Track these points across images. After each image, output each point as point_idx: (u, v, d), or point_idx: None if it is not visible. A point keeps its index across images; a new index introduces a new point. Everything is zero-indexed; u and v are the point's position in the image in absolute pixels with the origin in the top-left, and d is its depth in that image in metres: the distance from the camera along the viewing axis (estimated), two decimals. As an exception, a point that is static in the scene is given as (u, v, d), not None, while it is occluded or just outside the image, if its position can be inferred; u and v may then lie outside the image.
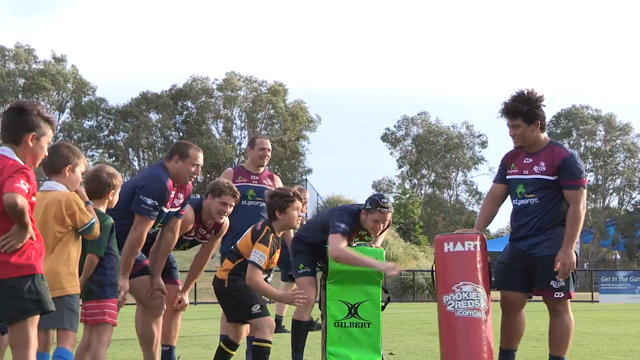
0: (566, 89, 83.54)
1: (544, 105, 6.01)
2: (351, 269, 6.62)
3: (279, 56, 79.99)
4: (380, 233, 6.96)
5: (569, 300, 6.02)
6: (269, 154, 7.93)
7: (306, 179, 52.44)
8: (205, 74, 59.31)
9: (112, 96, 66.71)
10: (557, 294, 5.92)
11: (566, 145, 6.38)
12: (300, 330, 6.90)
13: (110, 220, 5.51)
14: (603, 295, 30.80)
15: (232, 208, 6.75)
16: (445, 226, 56.93)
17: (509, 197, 6.24)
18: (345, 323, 6.69)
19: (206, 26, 79.83)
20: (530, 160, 6.02)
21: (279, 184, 7.98)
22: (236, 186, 7.19)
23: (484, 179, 74.84)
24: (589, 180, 60.82)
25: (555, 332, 5.96)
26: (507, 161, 6.19)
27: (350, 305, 6.73)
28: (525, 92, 5.98)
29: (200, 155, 6.39)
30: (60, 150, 5.13)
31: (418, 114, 61.65)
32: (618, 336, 10.85)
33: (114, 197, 5.66)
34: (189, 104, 57.59)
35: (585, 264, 54.45)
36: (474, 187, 61.11)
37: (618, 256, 57.77)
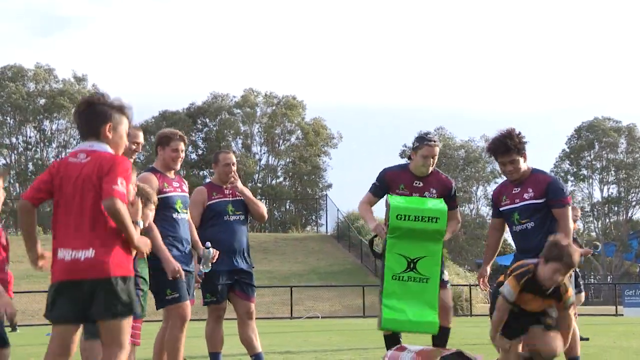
0: (586, 101, 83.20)
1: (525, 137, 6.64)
2: (412, 226, 6.63)
3: (297, 72, 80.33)
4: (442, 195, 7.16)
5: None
6: (234, 168, 7.65)
7: (326, 194, 52.46)
8: (224, 91, 59.66)
9: (133, 115, 67.00)
10: None
11: (547, 171, 7.02)
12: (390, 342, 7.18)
13: None
14: (627, 309, 30.46)
15: (184, 152, 7.00)
16: (466, 240, 56.65)
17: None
18: (403, 277, 6.67)
19: (225, 43, 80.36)
20: (519, 189, 6.63)
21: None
22: (215, 202, 7.43)
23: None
24: (612, 193, 60.45)
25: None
26: (498, 196, 6.82)
27: (409, 260, 6.70)
28: (511, 129, 6.59)
29: (140, 134, 6.66)
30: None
31: (435, 129, 61.58)
32: (644, 350, 10.70)
33: (149, 216, 5.59)
34: (209, 121, 57.88)
35: (609, 278, 53.90)
36: (495, 200, 60.80)
37: (642, 269, 57.16)
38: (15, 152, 54.72)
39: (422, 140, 7.14)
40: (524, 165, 6.62)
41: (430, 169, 7.18)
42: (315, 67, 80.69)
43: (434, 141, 7.15)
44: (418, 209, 6.69)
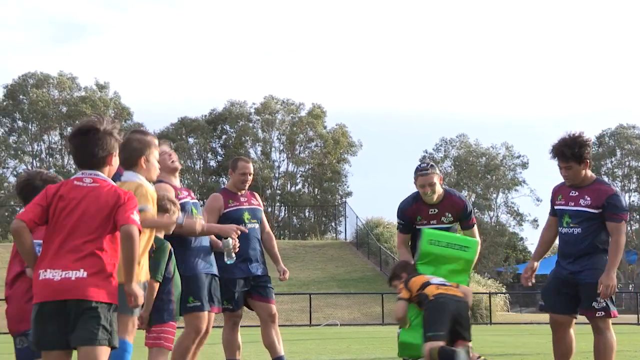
0: (609, 107, 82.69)
1: (590, 147, 6.60)
2: (443, 252, 6.88)
3: (316, 79, 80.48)
4: (456, 220, 7.44)
5: (610, 319, 6.60)
6: (250, 178, 7.74)
7: (345, 202, 52.42)
8: (243, 98, 59.87)
9: (152, 121, 67.70)
10: (599, 314, 6.53)
11: (611, 183, 7.02)
12: None
13: (167, 244, 5.51)
14: (649, 318, 30.17)
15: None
16: (486, 248, 56.41)
17: None
18: None
19: (243, 50, 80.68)
20: (577, 193, 6.61)
21: (260, 200, 7.98)
22: (232, 210, 7.54)
23: (525, 200, 73.90)
24: (634, 201, 59.95)
25: (599, 349, 6.56)
26: (555, 194, 6.81)
27: None
28: (576, 135, 6.55)
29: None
30: (131, 144, 5.23)
31: (457, 136, 61.44)
32: (666, 359, 10.58)
33: (165, 217, 5.58)
34: (228, 128, 58.09)
35: (630, 286, 53.48)
36: (515, 208, 60.54)
37: (664, 277, 56.63)
38: (38, 158, 55.17)
39: (416, 171, 7.34)
40: (582, 172, 6.57)
41: (435, 196, 7.31)
42: (336, 73, 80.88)
43: (426, 170, 7.29)
44: (451, 236, 6.97)
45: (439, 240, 6.90)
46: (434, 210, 7.35)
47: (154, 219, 5.16)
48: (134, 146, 5.25)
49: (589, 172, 6.64)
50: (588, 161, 6.57)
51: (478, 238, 7.48)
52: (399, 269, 6.89)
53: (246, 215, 7.58)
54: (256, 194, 8.01)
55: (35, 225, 4.30)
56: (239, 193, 7.69)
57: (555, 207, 6.74)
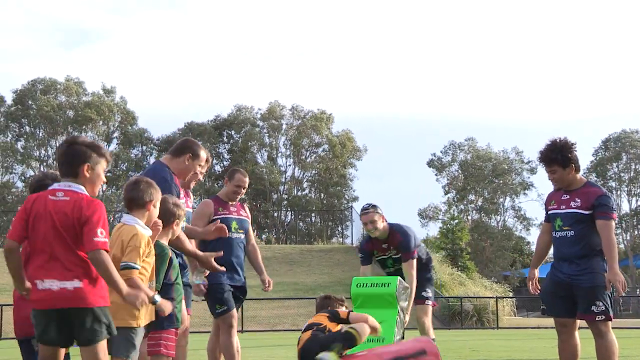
0: (615, 112, 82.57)
1: (576, 150, 6.82)
2: (369, 292, 7.76)
3: (323, 84, 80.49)
4: (403, 259, 8.27)
5: (609, 322, 6.66)
6: (244, 191, 7.89)
7: (352, 206, 52.39)
8: (249, 103, 59.88)
9: (158, 126, 67.78)
10: (599, 317, 6.62)
11: (600, 185, 6.96)
12: None
13: (168, 251, 5.53)
14: (657, 322, 30.06)
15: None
16: (492, 252, 56.28)
17: None
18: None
19: (250, 55, 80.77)
20: (568, 196, 6.81)
21: (248, 212, 8.09)
22: (220, 217, 7.60)
23: (532, 204, 73.77)
24: (640, 205, 59.86)
25: (602, 352, 6.66)
26: (548, 200, 7.04)
27: None
28: (558, 141, 6.81)
29: (207, 157, 6.67)
30: (139, 186, 5.26)
31: (465, 140, 61.36)
32: (674, 364, 10.56)
33: (177, 229, 5.70)
34: (234, 133, 58.15)
35: (638, 290, 53.32)
36: (522, 212, 60.42)
37: (672, 282, 56.37)
38: (45, 164, 55.31)
39: (360, 211, 8.32)
40: (567, 176, 6.79)
41: (377, 232, 8.27)
42: (342, 78, 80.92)
43: (367, 210, 8.26)
44: (374, 278, 7.98)
45: (364, 283, 7.88)
46: (385, 245, 8.36)
47: (136, 281, 4.97)
48: (142, 188, 5.23)
49: (578, 176, 6.83)
50: (573, 165, 6.76)
51: (413, 273, 8.18)
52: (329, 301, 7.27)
53: (234, 225, 7.72)
54: (246, 206, 8.13)
55: (22, 240, 4.62)
56: (230, 203, 7.84)
57: (549, 212, 6.96)
